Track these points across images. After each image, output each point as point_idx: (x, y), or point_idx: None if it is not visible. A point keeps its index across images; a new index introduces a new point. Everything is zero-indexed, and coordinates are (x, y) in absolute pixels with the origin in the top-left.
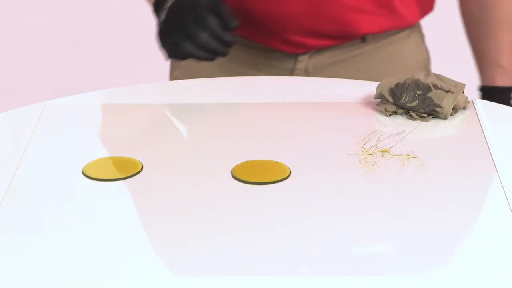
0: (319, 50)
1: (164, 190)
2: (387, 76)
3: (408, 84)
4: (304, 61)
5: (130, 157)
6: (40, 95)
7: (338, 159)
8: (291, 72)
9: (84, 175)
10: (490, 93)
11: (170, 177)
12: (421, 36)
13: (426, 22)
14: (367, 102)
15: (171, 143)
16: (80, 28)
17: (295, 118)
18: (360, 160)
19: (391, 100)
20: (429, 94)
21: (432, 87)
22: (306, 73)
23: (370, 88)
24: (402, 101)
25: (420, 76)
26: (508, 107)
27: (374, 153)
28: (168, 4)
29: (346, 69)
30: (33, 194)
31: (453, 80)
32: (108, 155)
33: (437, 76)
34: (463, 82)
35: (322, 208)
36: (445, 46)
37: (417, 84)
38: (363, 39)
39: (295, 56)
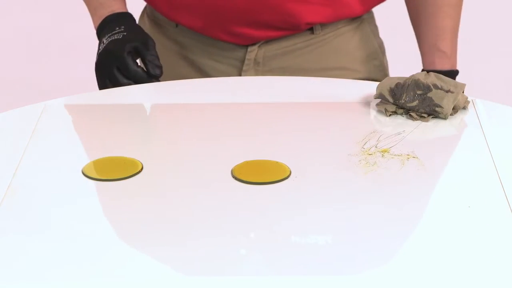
0: (268, 41)
1: (164, 190)
2: (334, 68)
3: (408, 84)
4: (253, 51)
5: (130, 157)
6: (40, 95)
7: (338, 159)
8: (242, 62)
9: (84, 175)
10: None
11: (170, 177)
12: (373, 28)
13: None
14: (367, 102)
15: (171, 143)
16: (80, 28)
17: (295, 118)
18: (360, 160)
19: (391, 100)
20: (429, 94)
21: (432, 87)
22: (256, 63)
23: (370, 88)
24: (402, 101)
25: (420, 76)
26: (508, 107)
27: (374, 153)
28: (101, 45)
29: (295, 60)
30: (33, 194)
31: (453, 80)
32: (108, 155)
33: (437, 76)
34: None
35: (322, 208)
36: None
37: (417, 84)
38: (311, 30)
39: (245, 46)
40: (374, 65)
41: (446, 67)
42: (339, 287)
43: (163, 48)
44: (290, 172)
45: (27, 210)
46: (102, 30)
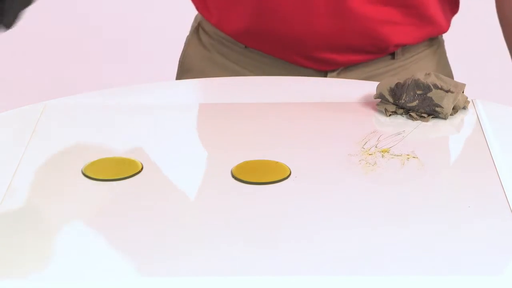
0: (348, 67)
1: (164, 190)
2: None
3: (408, 84)
4: (333, 78)
5: (130, 157)
6: (40, 95)
7: (338, 159)
8: None
9: (84, 175)
10: None
11: (170, 177)
12: (445, 50)
13: None
14: (367, 102)
15: (171, 143)
16: (80, 28)
17: (295, 118)
18: (360, 160)
19: (391, 100)
20: (429, 94)
21: (432, 87)
22: None
23: (370, 88)
24: (402, 101)
25: (420, 76)
26: (509, 107)
27: (374, 153)
28: None
29: None
30: (33, 194)
31: (453, 80)
32: (108, 155)
33: (437, 76)
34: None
35: (322, 208)
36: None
37: (417, 84)
38: (392, 55)
39: (323, 73)
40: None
41: None
42: (339, 287)
43: (221, 69)
44: (290, 172)
45: (27, 210)
46: None
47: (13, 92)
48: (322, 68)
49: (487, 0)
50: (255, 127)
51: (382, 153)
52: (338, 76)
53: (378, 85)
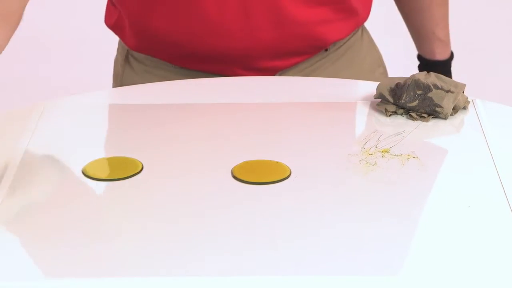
0: (285, 70)
1: (164, 190)
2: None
3: (408, 84)
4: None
5: (130, 157)
6: (40, 95)
7: (338, 159)
8: None
9: (84, 175)
10: (430, 65)
11: (170, 177)
12: (369, 35)
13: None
14: (367, 102)
15: (171, 143)
16: (80, 28)
17: (295, 118)
18: (360, 160)
19: (391, 100)
20: (429, 94)
21: (432, 87)
22: None
23: (370, 88)
24: (402, 101)
25: (420, 76)
26: (508, 107)
27: (374, 153)
28: None
29: None
30: (33, 194)
31: (453, 80)
32: (108, 155)
33: (437, 76)
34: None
35: (322, 208)
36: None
37: (417, 84)
38: (326, 49)
39: None
40: (379, 72)
41: (446, 55)
42: (338, 287)
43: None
44: (290, 172)
45: (27, 210)
46: None
47: (13, 92)
48: (263, 75)
49: (487, 1)
50: (255, 127)
51: (382, 153)
52: None
53: (378, 85)
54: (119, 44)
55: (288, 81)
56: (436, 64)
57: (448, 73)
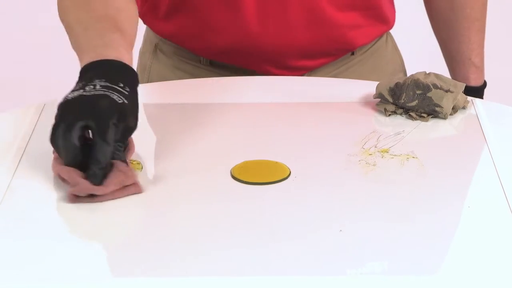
0: (313, 70)
1: (163, 190)
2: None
3: (408, 84)
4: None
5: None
6: (40, 95)
7: (338, 159)
8: None
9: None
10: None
11: (169, 177)
12: (393, 39)
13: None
14: (366, 102)
15: (171, 143)
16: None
17: (295, 118)
18: (359, 160)
19: (390, 99)
20: (428, 94)
21: (431, 86)
22: None
23: (369, 88)
24: (402, 101)
25: (420, 76)
26: (508, 106)
27: (374, 153)
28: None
29: None
30: (33, 194)
31: (452, 80)
32: None
33: (437, 76)
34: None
35: (322, 208)
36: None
37: (416, 84)
38: (352, 52)
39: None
40: (399, 78)
41: (479, 82)
42: (338, 287)
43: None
44: (290, 172)
45: (26, 210)
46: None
47: (13, 92)
48: (292, 74)
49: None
50: (255, 127)
51: (382, 153)
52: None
53: (377, 85)
54: (146, 39)
55: (287, 81)
56: (469, 90)
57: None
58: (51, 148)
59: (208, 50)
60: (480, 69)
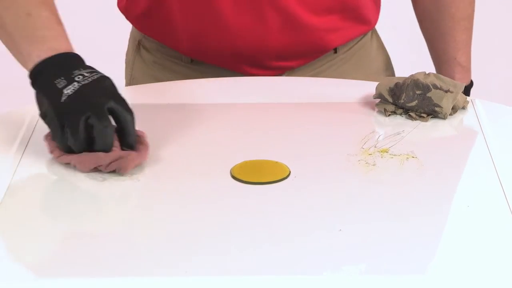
0: (294, 69)
1: (163, 190)
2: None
3: (408, 84)
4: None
5: None
6: None
7: (338, 159)
8: None
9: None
10: None
11: (169, 177)
12: (379, 37)
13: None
14: (366, 102)
15: (170, 143)
16: (80, 28)
17: (295, 118)
18: (359, 160)
19: (390, 100)
20: (428, 94)
21: (431, 86)
22: None
23: (369, 88)
24: (401, 101)
25: (420, 76)
26: (508, 106)
27: (374, 153)
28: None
29: None
30: (33, 194)
31: (452, 80)
32: None
33: (437, 76)
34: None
35: (322, 208)
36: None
37: (416, 84)
38: (335, 50)
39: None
40: (387, 75)
41: (465, 81)
42: (338, 286)
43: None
44: (290, 172)
45: (26, 210)
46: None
47: (13, 92)
48: (270, 74)
49: (487, 1)
50: (254, 127)
51: (381, 153)
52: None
53: (377, 85)
54: (131, 35)
55: (287, 81)
56: None
57: None
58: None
59: (186, 49)
60: (466, 68)
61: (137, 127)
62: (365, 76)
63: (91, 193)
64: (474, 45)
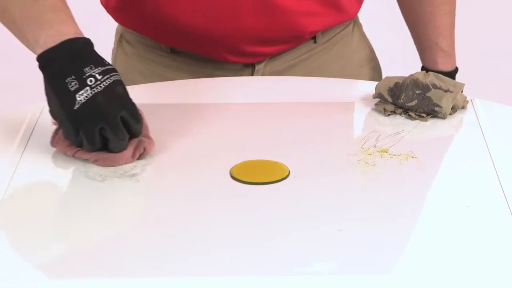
0: (273, 56)
1: (162, 191)
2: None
3: (407, 84)
4: (260, 69)
5: None
6: (40, 95)
7: (337, 159)
8: None
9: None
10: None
11: (168, 178)
12: (362, 29)
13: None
14: (366, 102)
15: (170, 143)
16: (79, 28)
17: (295, 118)
18: (359, 160)
19: (390, 99)
20: (428, 94)
21: (431, 86)
22: None
23: (369, 88)
24: (401, 101)
25: (419, 76)
26: (507, 106)
27: (373, 153)
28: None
29: (299, 71)
30: (32, 194)
31: (452, 80)
32: None
33: (436, 76)
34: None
35: (321, 208)
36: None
37: (416, 84)
38: (314, 40)
39: (251, 65)
40: (370, 67)
41: (449, 67)
42: (337, 286)
43: (148, 76)
44: (289, 172)
45: (26, 210)
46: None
47: (13, 92)
48: (249, 61)
49: (486, 2)
50: (254, 127)
51: (381, 153)
52: (265, 67)
53: (377, 85)
54: (116, 30)
55: (287, 81)
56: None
57: None
58: (51, 148)
59: (165, 38)
60: (448, 53)
61: None
62: (346, 68)
63: (91, 193)
64: (475, 45)
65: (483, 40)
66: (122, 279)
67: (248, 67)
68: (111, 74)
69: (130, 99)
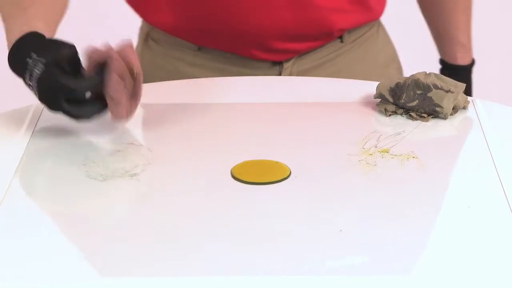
0: (301, 55)
1: (163, 190)
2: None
3: (408, 84)
4: (288, 68)
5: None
6: None
7: (338, 159)
8: None
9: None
10: (451, 69)
11: (169, 177)
12: (385, 31)
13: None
14: (367, 102)
15: (171, 143)
16: (79, 28)
17: (295, 118)
18: (360, 160)
19: (391, 100)
20: (429, 94)
21: (432, 86)
22: None
23: (370, 88)
24: (402, 101)
25: (420, 76)
26: (508, 106)
27: (374, 153)
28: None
29: (326, 71)
30: (33, 194)
31: (453, 80)
32: (108, 155)
33: (437, 76)
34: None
35: (322, 208)
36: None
37: (417, 84)
38: (341, 39)
39: (280, 63)
40: (393, 68)
41: (467, 61)
42: (338, 287)
43: (174, 74)
44: (290, 172)
45: (27, 210)
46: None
47: (13, 92)
48: (277, 58)
49: (487, 1)
50: (255, 127)
51: (382, 153)
52: (293, 65)
53: (378, 85)
54: (140, 29)
55: (287, 81)
56: (457, 69)
57: (469, 79)
58: (51, 148)
59: (195, 36)
60: (467, 47)
61: (137, 127)
62: (371, 68)
63: (91, 192)
64: (475, 45)
65: (484, 40)
66: (123, 278)
67: (275, 66)
68: (36, 67)
69: (60, 82)
